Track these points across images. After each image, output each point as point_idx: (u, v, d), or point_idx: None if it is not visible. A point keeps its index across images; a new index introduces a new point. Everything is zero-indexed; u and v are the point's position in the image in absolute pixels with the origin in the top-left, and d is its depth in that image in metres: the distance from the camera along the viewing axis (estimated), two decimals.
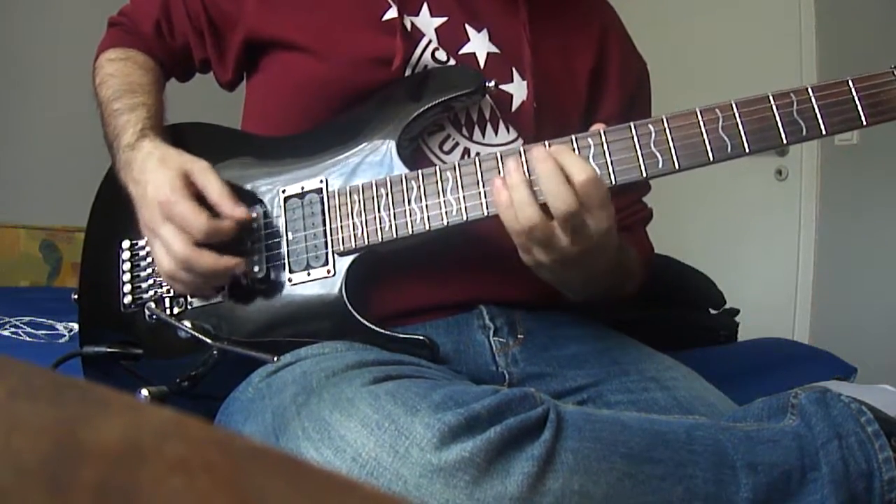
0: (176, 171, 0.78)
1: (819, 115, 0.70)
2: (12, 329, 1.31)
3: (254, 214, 0.82)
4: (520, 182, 0.69)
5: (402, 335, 0.76)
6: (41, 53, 2.54)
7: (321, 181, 0.81)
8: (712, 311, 1.68)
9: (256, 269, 0.81)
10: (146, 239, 0.85)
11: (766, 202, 2.76)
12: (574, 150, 0.72)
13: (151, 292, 0.86)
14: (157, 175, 0.78)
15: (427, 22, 0.86)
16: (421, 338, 0.76)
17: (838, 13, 2.55)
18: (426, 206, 0.76)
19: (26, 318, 1.35)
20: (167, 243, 0.77)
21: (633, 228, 0.96)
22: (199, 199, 0.78)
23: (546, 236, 0.69)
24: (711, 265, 1.74)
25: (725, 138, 0.71)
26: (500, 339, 0.82)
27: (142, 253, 0.88)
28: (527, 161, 0.72)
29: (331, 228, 0.79)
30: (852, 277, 2.53)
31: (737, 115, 0.71)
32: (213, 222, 0.76)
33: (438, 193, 0.76)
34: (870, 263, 2.49)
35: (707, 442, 0.63)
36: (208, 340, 0.79)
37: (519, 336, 0.84)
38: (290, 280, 0.80)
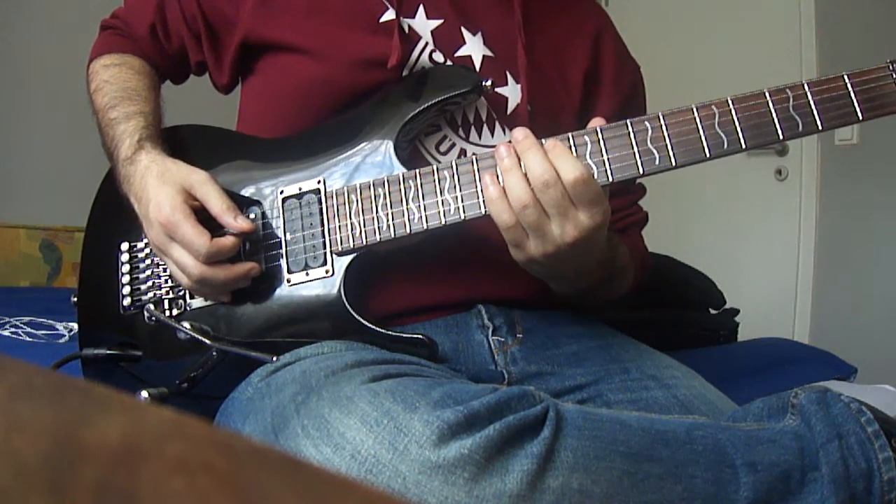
0: (175, 188, 0.78)
1: (815, 111, 0.70)
2: (12, 329, 1.31)
3: (251, 216, 0.82)
4: (513, 166, 0.70)
5: (401, 334, 0.76)
6: (41, 53, 2.54)
7: (319, 182, 0.81)
8: (712, 311, 1.68)
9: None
10: (148, 247, 0.86)
11: (766, 202, 2.76)
12: (571, 147, 0.72)
13: (150, 294, 0.86)
14: (156, 193, 0.78)
15: (423, 24, 0.86)
16: (420, 337, 0.76)
17: (838, 12, 2.55)
18: (424, 205, 0.76)
19: (26, 318, 1.35)
20: (180, 264, 0.78)
21: (627, 231, 0.96)
22: (203, 211, 0.78)
23: (538, 220, 0.69)
24: (711, 265, 1.74)
25: (722, 134, 0.71)
26: (499, 338, 0.83)
27: (141, 255, 0.88)
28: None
29: (329, 229, 0.79)
30: (852, 277, 2.53)
31: (733, 111, 0.71)
32: (215, 244, 0.76)
33: (436, 193, 0.76)
34: (870, 263, 2.49)
35: (707, 441, 0.63)
36: (207, 341, 0.79)
37: (518, 335, 0.84)
38: (288, 280, 0.80)
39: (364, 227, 0.78)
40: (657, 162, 0.72)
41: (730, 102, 0.71)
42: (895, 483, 0.63)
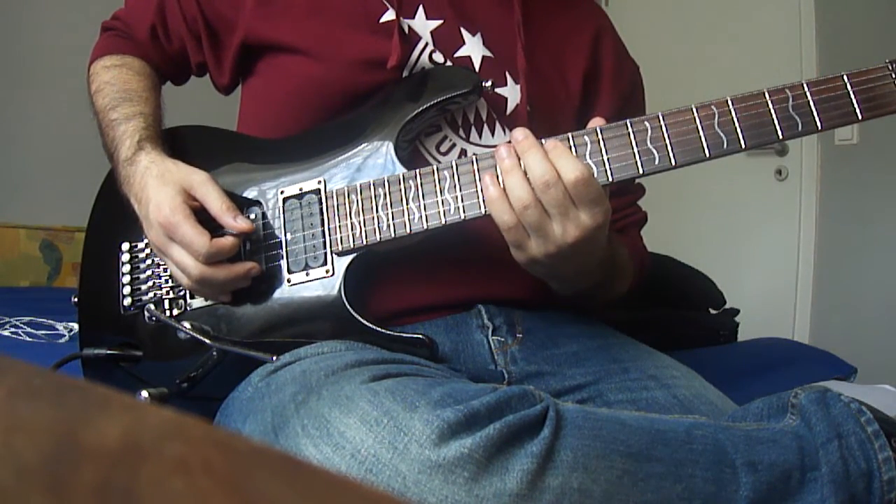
0: (175, 188, 0.78)
1: (814, 110, 0.70)
2: (12, 329, 1.31)
3: (252, 216, 0.82)
4: (513, 166, 0.70)
5: (401, 334, 0.76)
6: (41, 53, 2.54)
7: (319, 182, 0.81)
8: (712, 311, 1.68)
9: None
10: (149, 247, 0.86)
11: (766, 202, 2.76)
12: (571, 147, 0.72)
13: (151, 294, 0.86)
14: (156, 193, 0.78)
15: (423, 25, 0.86)
16: (420, 337, 0.76)
17: (838, 12, 2.55)
18: (424, 205, 0.76)
19: (26, 318, 1.35)
20: (180, 264, 0.78)
21: (626, 231, 0.96)
22: (203, 212, 0.78)
23: (539, 220, 0.69)
24: (711, 265, 1.74)
25: (721, 134, 0.71)
26: (499, 338, 0.83)
27: (141, 255, 0.88)
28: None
29: (329, 229, 0.79)
30: (852, 277, 2.53)
31: (732, 111, 0.71)
32: (214, 244, 0.76)
33: (436, 192, 0.76)
34: (870, 263, 2.48)
35: (707, 441, 0.63)
36: (207, 341, 0.79)
37: (518, 335, 0.84)
38: (288, 280, 0.80)
39: (364, 226, 0.78)
40: (657, 162, 0.72)
41: (729, 102, 0.71)
42: (895, 483, 0.63)
